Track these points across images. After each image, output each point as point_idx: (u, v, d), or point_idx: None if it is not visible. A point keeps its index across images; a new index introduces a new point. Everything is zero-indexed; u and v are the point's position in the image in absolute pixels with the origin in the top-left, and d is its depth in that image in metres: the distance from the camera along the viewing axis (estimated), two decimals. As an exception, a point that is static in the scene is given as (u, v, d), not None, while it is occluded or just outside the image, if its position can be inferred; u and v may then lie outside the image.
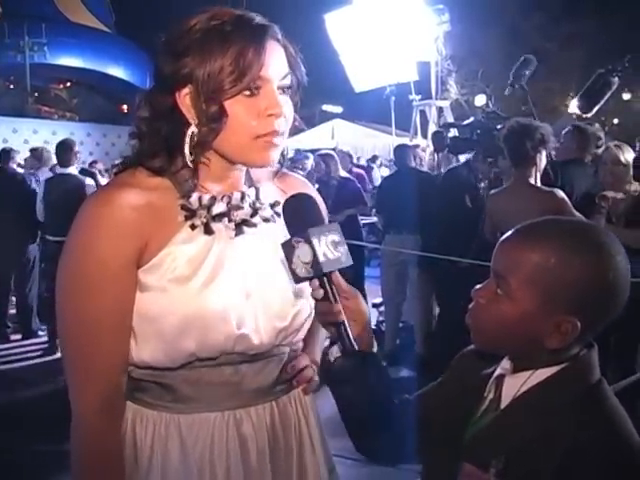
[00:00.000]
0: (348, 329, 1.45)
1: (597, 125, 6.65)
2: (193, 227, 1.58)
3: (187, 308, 1.53)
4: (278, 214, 1.69)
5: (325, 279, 1.44)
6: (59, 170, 7.93)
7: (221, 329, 1.56)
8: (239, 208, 1.65)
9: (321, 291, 1.44)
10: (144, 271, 1.54)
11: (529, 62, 8.21)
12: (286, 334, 1.68)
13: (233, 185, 1.66)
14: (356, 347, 1.45)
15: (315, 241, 1.40)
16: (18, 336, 8.04)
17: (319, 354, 1.89)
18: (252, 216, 1.67)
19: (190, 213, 1.59)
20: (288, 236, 1.47)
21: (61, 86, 38.87)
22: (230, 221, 1.63)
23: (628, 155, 4.98)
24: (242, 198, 1.67)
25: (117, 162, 1.70)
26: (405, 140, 14.87)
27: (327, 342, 1.55)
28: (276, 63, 1.53)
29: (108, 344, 1.55)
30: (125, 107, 37.73)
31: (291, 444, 1.73)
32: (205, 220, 1.59)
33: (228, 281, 1.59)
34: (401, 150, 7.71)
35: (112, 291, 1.52)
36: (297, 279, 1.44)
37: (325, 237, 1.41)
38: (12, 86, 34.50)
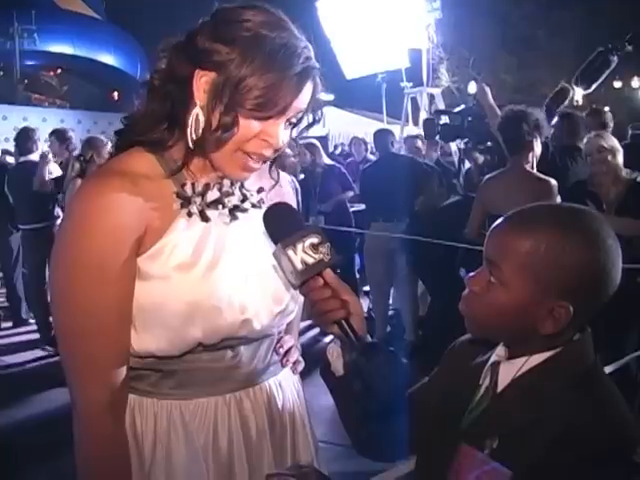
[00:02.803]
0: (352, 324, 1.45)
1: (608, 111, 6.66)
2: (190, 214, 1.58)
3: (192, 295, 1.53)
4: (264, 201, 1.72)
5: (320, 280, 1.45)
6: (21, 159, 7.85)
7: (227, 314, 1.57)
8: (230, 194, 1.66)
9: (321, 292, 1.45)
10: (144, 259, 1.53)
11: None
12: (281, 317, 1.71)
13: (219, 173, 1.65)
14: (366, 339, 1.46)
15: (290, 251, 1.42)
16: (9, 324, 8.05)
17: (297, 336, 1.96)
18: (242, 202, 1.68)
19: (185, 201, 1.59)
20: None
21: (51, 73, 38.58)
22: (224, 207, 1.64)
23: (610, 141, 4.97)
24: (231, 184, 1.67)
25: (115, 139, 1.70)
26: (397, 127, 14.87)
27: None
28: (300, 104, 1.55)
29: (112, 337, 1.53)
30: (116, 94, 37.57)
31: (285, 421, 1.78)
32: (200, 207, 1.60)
33: (229, 266, 1.59)
34: (381, 135, 7.70)
35: (114, 283, 1.51)
36: (293, 286, 1.47)
37: (302, 243, 1.43)
38: (2, 73, 34.28)
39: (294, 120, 1.59)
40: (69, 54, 35.82)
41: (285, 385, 1.81)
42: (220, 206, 1.63)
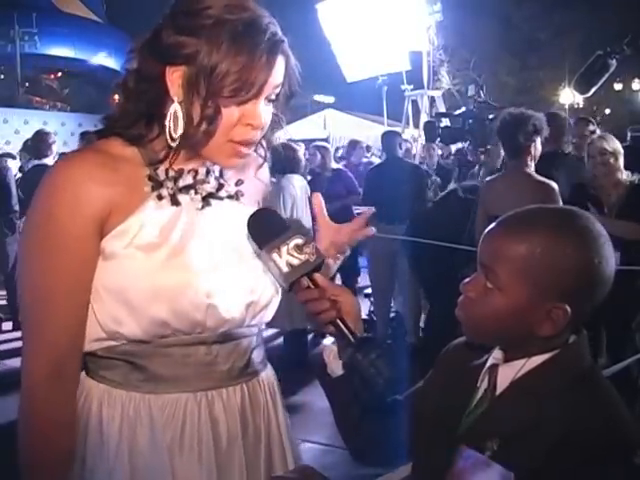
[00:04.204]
0: (347, 322, 1.46)
1: (592, 122, 6.64)
2: (160, 198, 1.59)
3: (155, 275, 1.53)
4: (242, 193, 1.73)
5: (308, 281, 1.47)
6: (34, 162, 7.84)
7: (191, 297, 1.56)
8: (205, 182, 1.67)
9: (309, 293, 1.47)
10: (109, 238, 1.54)
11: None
12: (255, 309, 1.69)
13: (198, 162, 1.66)
14: (358, 335, 1.47)
15: (274, 255, 1.45)
16: (9, 326, 7.99)
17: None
18: (218, 190, 1.68)
19: (157, 184, 1.60)
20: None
21: (52, 76, 38.64)
22: (196, 193, 1.65)
23: (613, 144, 4.97)
24: (207, 173, 1.68)
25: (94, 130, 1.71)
26: (397, 130, 14.83)
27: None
28: (275, 80, 1.54)
29: (63, 309, 1.55)
30: (117, 97, 37.60)
31: (260, 428, 1.74)
32: (172, 192, 1.61)
33: (197, 252, 1.59)
34: (389, 137, 7.73)
35: (71, 256, 1.53)
36: (284, 289, 1.49)
37: (286, 245, 1.45)
38: (2, 76, 34.31)
39: (272, 97, 1.58)
40: (70, 57, 35.91)
41: (263, 389, 1.76)
42: (192, 192, 1.64)
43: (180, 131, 1.53)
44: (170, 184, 1.61)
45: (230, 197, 1.71)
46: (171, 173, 1.61)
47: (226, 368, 1.68)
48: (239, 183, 1.74)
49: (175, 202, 1.60)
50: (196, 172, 1.66)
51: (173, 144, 1.55)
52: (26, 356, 1.60)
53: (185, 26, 1.49)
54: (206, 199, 1.66)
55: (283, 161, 6.55)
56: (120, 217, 1.54)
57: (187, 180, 1.64)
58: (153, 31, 1.55)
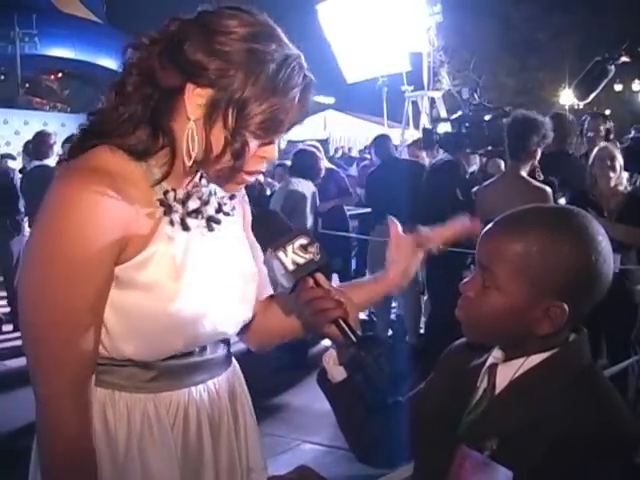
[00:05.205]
0: (348, 321, 1.47)
1: (609, 119, 6.63)
2: (172, 223, 1.54)
3: (175, 307, 1.51)
4: (235, 208, 1.71)
5: (311, 281, 1.48)
6: (35, 163, 7.82)
7: (207, 325, 1.59)
8: (207, 203, 1.63)
9: (314, 291, 1.47)
10: (128, 267, 1.48)
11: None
12: (242, 325, 1.74)
13: (193, 180, 1.62)
14: (360, 333, 1.48)
15: (281, 254, 1.46)
16: (10, 327, 7.99)
17: None
18: (217, 212, 1.65)
19: (168, 209, 1.54)
20: (244, 233, 1.56)
21: (52, 77, 38.64)
22: (202, 217, 1.61)
23: (613, 152, 4.97)
24: (209, 193, 1.65)
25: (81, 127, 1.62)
26: (398, 131, 14.86)
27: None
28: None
29: (78, 334, 1.47)
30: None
31: (237, 410, 1.78)
32: (181, 216, 1.56)
33: (209, 280, 1.59)
34: (381, 140, 7.79)
35: (91, 281, 1.45)
36: (286, 289, 1.49)
37: (291, 245, 1.46)
38: (3, 77, 34.33)
39: None
40: (70, 58, 35.93)
41: (235, 377, 1.80)
42: (199, 216, 1.60)
43: (195, 153, 1.49)
44: (179, 208, 1.56)
45: (227, 214, 1.68)
46: (179, 196, 1.56)
47: (214, 361, 1.71)
48: (232, 197, 1.71)
49: (185, 227, 1.56)
50: (200, 193, 1.62)
51: (188, 164, 1.50)
52: (41, 377, 1.50)
53: (215, 47, 1.43)
54: (209, 223, 1.62)
55: (302, 166, 6.71)
56: (137, 245, 1.49)
57: (195, 203, 1.59)
58: (172, 39, 1.48)
